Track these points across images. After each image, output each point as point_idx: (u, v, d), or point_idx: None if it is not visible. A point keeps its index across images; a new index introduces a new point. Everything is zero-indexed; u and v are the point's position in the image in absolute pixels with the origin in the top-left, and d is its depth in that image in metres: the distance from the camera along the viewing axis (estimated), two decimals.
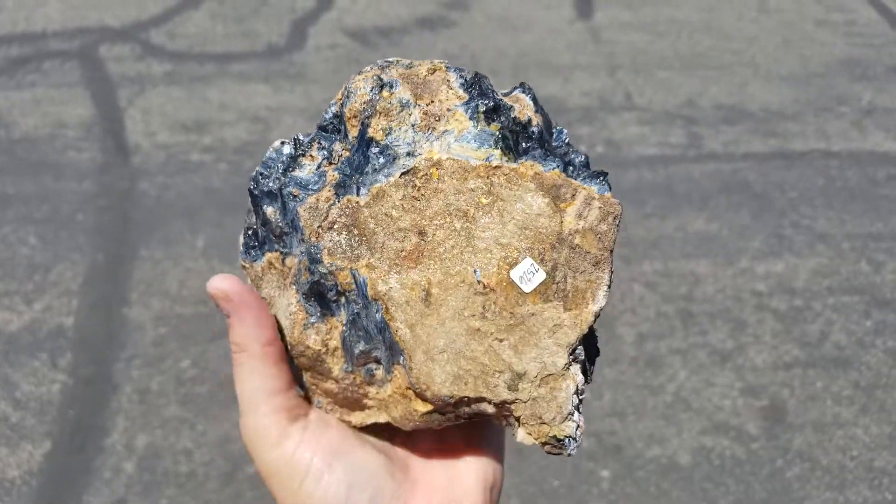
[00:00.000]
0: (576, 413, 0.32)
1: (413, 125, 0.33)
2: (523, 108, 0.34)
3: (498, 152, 0.32)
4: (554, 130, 0.36)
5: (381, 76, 0.34)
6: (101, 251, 1.57)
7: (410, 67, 0.35)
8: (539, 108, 0.35)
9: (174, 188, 1.71)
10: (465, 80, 0.34)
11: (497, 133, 0.33)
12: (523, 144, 0.34)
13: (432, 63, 0.35)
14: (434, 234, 0.32)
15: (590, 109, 1.97)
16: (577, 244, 0.32)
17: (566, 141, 0.35)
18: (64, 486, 1.20)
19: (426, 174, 0.32)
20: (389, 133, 0.33)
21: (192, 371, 1.35)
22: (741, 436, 1.28)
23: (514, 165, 0.32)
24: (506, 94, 0.36)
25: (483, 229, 0.32)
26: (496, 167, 0.32)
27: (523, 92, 0.36)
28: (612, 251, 0.32)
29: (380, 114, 0.33)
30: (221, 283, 0.34)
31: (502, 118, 0.33)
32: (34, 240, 1.59)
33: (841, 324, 1.46)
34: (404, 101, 0.33)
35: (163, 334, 1.41)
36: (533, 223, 0.32)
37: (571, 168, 0.34)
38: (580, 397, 0.32)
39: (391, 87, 0.33)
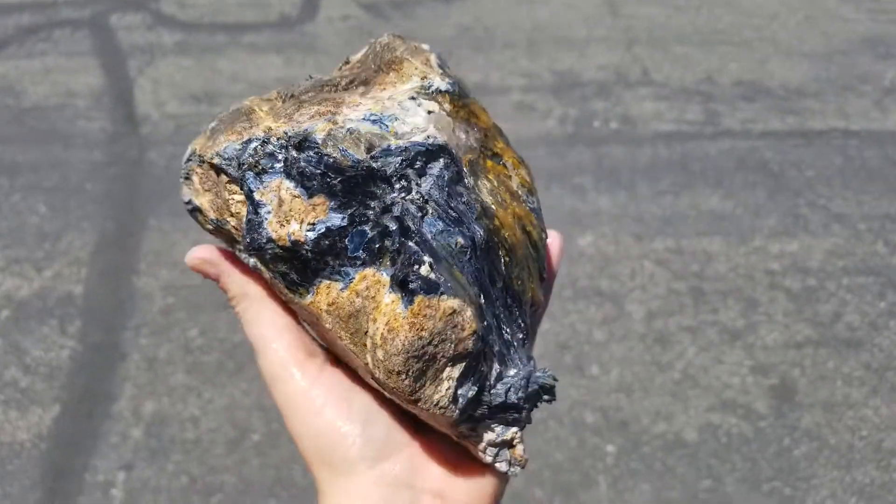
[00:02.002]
0: None
1: None
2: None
3: None
4: None
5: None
6: (110, 220, 1.57)
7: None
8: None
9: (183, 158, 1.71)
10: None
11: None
12: None
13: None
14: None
15: (605, 84, 1.94)
16: None
17: None
18: (72, 451, 1.21)
19: None
20: None
21: (199, 340, 1.36)
22: (749, 414, 1.27)
23: None
24: None
25: None
26: None
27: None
28: None
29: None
30: (200, 253, 0.35)
31: None
32: (44, 208, 1.60)
33: (854, 305, 1.44)
34: None
35: (171, 303, 1.41)
36: None
37: None
38: None
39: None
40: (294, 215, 0.31)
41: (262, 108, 0.34)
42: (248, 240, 0.31)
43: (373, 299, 0.30)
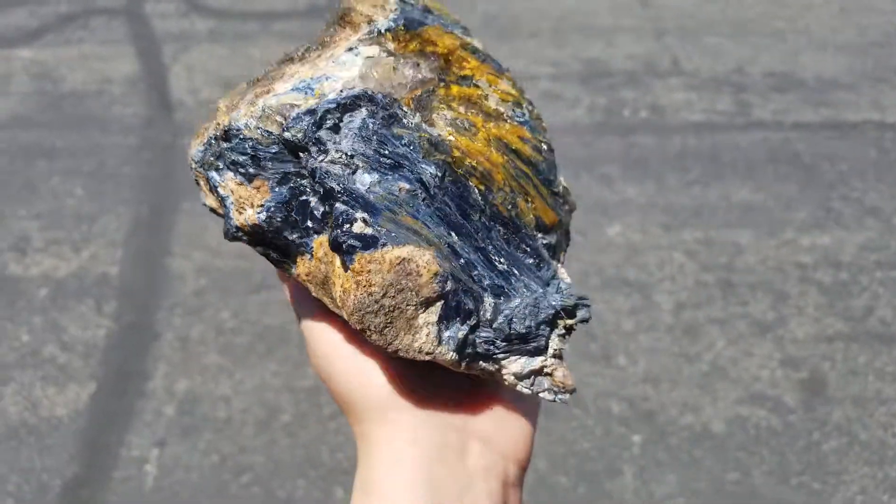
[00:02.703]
0: None
1: None
2: None
3: None
4: None
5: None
6: (144, 204, 1.60)
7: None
8: None
9: None
10: None
11: None
12: None
13: None
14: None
15: (634, 73, 1.93)
16: None
17: None
18: (107, 426, 1.24)
19: None
20: None
21: (231, 322, 1.38)
22: (778, 407, 1.26)
23: None
24: None
25: None
26: None
27: None
28: None
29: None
30: None
31: None
32: (81, 191, 1.63)
33: (887, 299, 1.42)
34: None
35: (203, 285, 1.44)
36: None
37: None
38: None
39: None
40: (245, 202, 0.32)
41: (223, 104, 0.34)
42: (224, 231, 0.32)
43: (330, 263, 0.30)
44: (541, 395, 0.32)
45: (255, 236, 0.32)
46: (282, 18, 2.12)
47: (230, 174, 0.32)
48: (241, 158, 0.31)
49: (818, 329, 1.37)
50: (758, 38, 2.06)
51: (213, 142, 0.33)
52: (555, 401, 0.32)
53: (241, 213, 0.32)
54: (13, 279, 1.46)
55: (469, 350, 0.30)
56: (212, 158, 0.33)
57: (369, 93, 0.32)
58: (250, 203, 0.31)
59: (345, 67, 0.33)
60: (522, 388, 0.32)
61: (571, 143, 1.74)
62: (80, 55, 1.99)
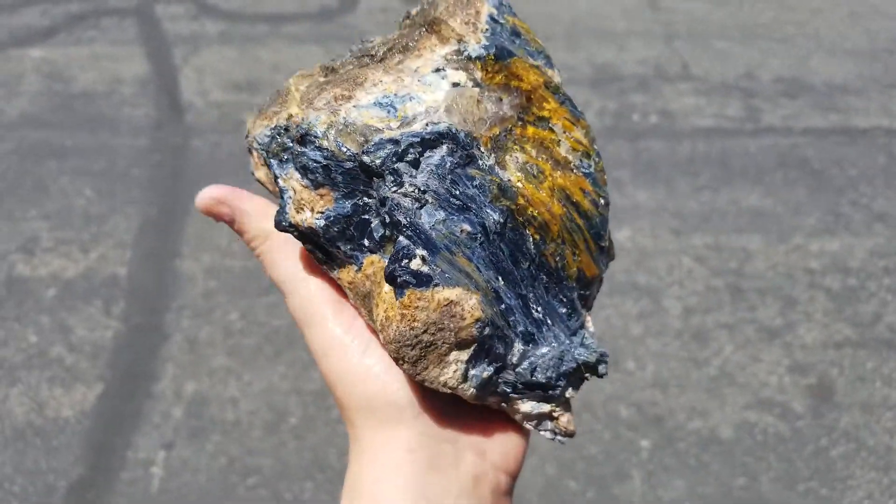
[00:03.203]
0: None
1: None
2: None
3: None
4: None
5: None
6: (154, 205, 1.61)
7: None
8: None
9: (225, 146, 1.74)
10: None
11: None
12: None
13: None
14: None
15: (645, 78, 1.93)
16: None
17: None
18: (114, 428, 1.24)
19: None
20: None
21: (240, 323, 1.38)
22: (786, 413, 1.26)
23: None
24: None
25: None
26: None
27: None
28: None
29: None
30: (211, 192, 0.35)
31: None
32: (90, 192, 1.64)
33: (895, 305, 1.42)
34: None
35: (212, 287, 1.44)
36: None
37: None
38: None
39: None
40: (305, 204, 0.32)
41: (298, 88, 0.34)
42: (276, 220, 0.32)
43: (378, 284, 0.31)
44: (542, 433, 0.33)
45: (306, 236, 0.32)
46: (291, 21, 2.13)
47: (296, 174, 0.32)
48: (313, 165, 0.31)
49: (826, 335, 1.37)
50: (767, 42, 2.06)
51: (282, 134, 0.33)
52: (553, 440, 0.34)
53: (298, 212, 0.32)
54: (21, 279, 1.46)
55: (492, 389, 0.31)
56: (278, 149, 0.33)
57: (453, 131, 0.32)
58: (311, 207, 0.32)
59: (430, 89, 0.33)
60: (527, 425, 0.33)
61: None
62: (90, 55, 2.00)
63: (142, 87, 1.90)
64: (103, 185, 1.65)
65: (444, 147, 0.31)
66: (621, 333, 1.37)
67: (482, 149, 0.32)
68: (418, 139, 0.31)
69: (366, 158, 0.31)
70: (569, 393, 0.33)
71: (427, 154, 0.31)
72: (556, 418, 0.33)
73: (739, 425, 1.24)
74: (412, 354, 0.30)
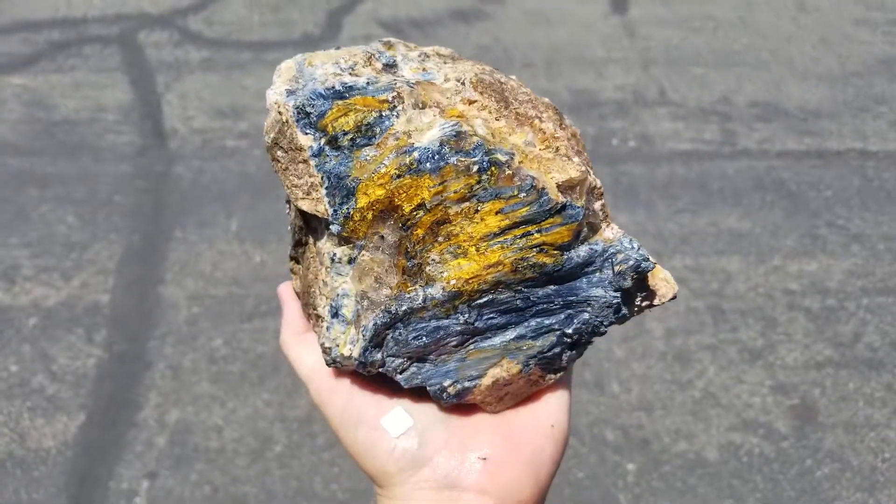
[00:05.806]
0: None
1: None
2: None
3: None
4: None
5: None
6: (137, 232, 1.60)
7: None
8: None
9: (209, 172, 1.74)
10: None
11: None
12: None
13: None
14: None
15: (623, 104, 1.96)
16: None
17: None
18: (97, 458, 1.22)
19: None
20: None
21: (223, 350, 1.37)
22: (770, 434, 1.27)
23: None
24: None
25: None
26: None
27: None
28: None
29: None
30: (280, 288, 0.44)
31: None
32: (72, 219, 1.63)
33: (875, 325, 1.44)
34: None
35: (196, 314, 1.43)
36: None
37: None
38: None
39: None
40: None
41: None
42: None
43: None
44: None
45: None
46: (275, 48, 2.14)
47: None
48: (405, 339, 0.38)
49: (808, 355, 1.39)
50: (742, 68, 2.11)
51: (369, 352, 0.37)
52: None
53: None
54: (2, 308, 1.45)
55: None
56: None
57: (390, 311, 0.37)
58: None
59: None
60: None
61: None
62: (73, 83, 2.00)
63: (125, 114, 1.90)
64: (86, 212, 1.64)
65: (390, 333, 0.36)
66: (605, 356, 1.38)
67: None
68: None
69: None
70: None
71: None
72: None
73: (724, 447, 1.25)
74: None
